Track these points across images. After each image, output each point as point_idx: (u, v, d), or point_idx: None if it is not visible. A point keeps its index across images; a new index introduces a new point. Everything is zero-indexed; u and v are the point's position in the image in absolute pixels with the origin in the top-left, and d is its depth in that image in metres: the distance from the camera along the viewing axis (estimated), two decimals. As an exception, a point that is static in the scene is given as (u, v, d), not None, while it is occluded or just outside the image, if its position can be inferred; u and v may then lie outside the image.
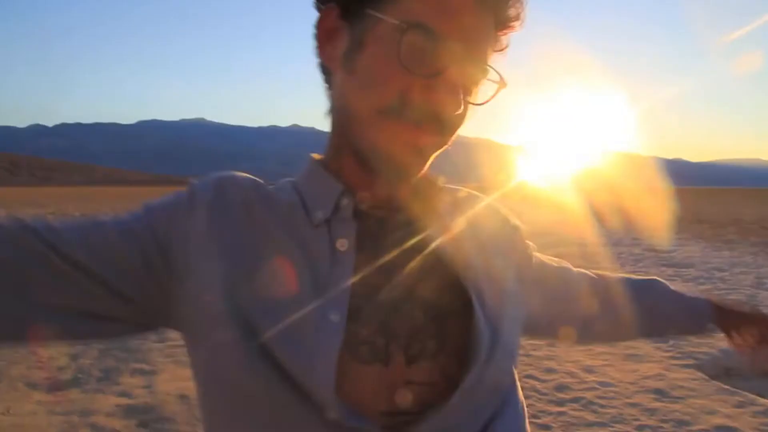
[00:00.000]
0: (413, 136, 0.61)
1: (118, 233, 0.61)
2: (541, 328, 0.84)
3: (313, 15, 0.66)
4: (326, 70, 0.68)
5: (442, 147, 0.65)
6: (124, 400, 4.01)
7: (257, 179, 0.69)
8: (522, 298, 0.72)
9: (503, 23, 0.63)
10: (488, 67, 0.62)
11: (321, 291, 0.59)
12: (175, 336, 5.02)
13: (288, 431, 0.57)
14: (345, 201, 0.65)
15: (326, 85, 0.69)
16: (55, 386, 4.32)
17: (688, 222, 18.63)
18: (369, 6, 0.60)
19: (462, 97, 0.62)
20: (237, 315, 0.58)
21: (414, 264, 0.63)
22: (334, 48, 0.64)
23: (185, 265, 0.61)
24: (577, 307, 0.88)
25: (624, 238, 14.36)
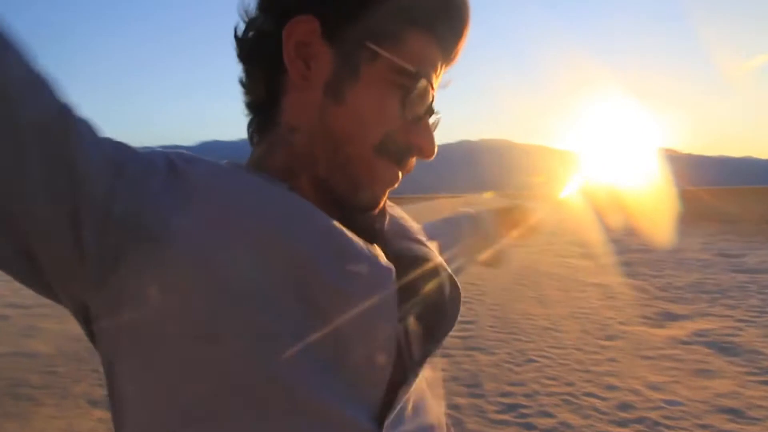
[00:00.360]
0: (395, 173, 0.63)
1: None
2: None
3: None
4: (277, 80, 0.63)
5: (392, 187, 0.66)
6: None
7: None
8: None
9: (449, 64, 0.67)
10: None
11: None
12: None
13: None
14: None
15: (272, 91, 0.63)
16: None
17: (755, 224, 17.60)
18: (368, 39, 0.59)
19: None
20: None
21: None
22: (309, 68, 0.60)
23: None
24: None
25: (690, 242, 13.69)
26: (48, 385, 4.88)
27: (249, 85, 0.65)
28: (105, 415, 4.18)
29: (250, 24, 0.63)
